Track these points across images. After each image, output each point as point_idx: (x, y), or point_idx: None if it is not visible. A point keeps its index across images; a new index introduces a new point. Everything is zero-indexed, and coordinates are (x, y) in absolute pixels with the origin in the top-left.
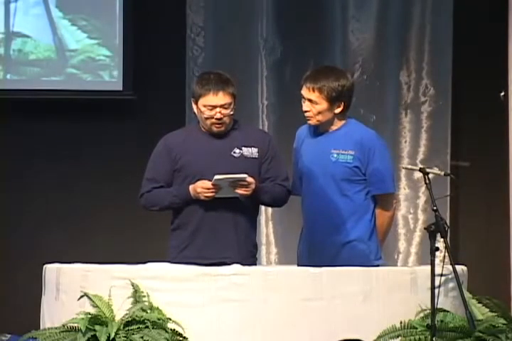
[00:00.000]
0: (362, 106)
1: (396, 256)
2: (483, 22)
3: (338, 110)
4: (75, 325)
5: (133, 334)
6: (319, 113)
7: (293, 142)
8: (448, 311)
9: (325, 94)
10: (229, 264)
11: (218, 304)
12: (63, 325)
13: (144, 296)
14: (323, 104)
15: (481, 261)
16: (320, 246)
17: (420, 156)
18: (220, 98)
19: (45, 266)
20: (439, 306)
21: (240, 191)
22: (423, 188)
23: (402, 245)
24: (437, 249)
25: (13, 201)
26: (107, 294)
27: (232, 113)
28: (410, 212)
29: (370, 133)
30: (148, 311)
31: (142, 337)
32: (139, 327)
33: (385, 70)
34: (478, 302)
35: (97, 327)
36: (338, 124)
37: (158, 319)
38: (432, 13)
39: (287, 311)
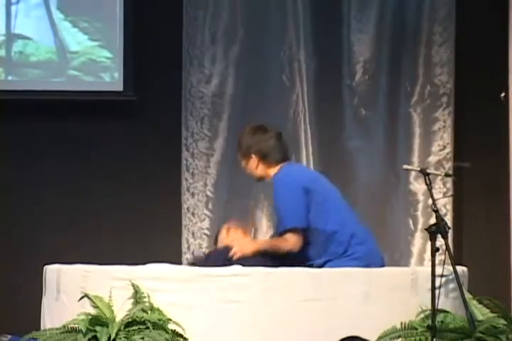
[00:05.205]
0: (363, 106)
1: (397, 257)
2: (485, 23)
3: (255, 163)
4: (76, 325)
5: (133, 335)
6: (247, 170)
7: None
8: (448, 312)
9: (238, 152)
10: None
11: (219, 305)
12: (64, 326)
13: (145, 297)
14: (243, 162)
15: (482, 262)
16: None
17: (421, 157)
18: None
19: (45, 267)
20: (439, 307)
21: None
22: (424, 189)
23: (403, 245)
24: (438, 249)
25: (13, 201)
26: (107, 295)
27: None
28: (411, 213)
29: (276, 176)
30: (149, 312)
31: (143, 338)
32: (139, 328)
33: (387, 71)
34: (479, 303)
35: (97, 328)
36: (271, 173)
37: (159, 320)
38: (433, 13)
39: (287, 312)
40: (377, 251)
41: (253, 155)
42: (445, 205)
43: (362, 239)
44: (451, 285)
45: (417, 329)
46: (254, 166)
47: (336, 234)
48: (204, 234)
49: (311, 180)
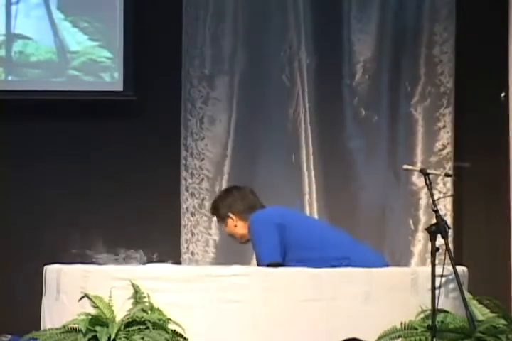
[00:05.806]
0: (364, 106)
1: (397, 257)
2: (485, 23)
3: (233, 223)
4: (76, 325)
5: (133, 335)
6: (230, 234)
7: None
8: (448, 312)
9: (216, 216)
10: None
11: (218, 305)
12: (64, 326)
13: (145, 297)
14: (222, 225)
15: (482, 262)
16: None
17: (421, 156)
18: None
19: (45, 267)
20: (439, 307)
21: None
22: (424, 189)
23: (403, 245)
24: (438, 249)
25: (13, 201)
26: (107, 295)
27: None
28: (412, 213)
29: (250, 218)
30: (149, 312)
31: (143, 338)
32: (139, 328)
33: (387, 71)
34: (479, 303)
35: (97, 328)
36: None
37: (159, 320)
38: (434, 13)
39: (287, 312)
40: (376, 264)
41: (230, 214)
42: (445, 205)
43: (356, 258)
44: (451, 285)
45: (417, 329)
46: (233, 225)
47: (326, 259)
48: (204, 234)
49: (284, 216)
